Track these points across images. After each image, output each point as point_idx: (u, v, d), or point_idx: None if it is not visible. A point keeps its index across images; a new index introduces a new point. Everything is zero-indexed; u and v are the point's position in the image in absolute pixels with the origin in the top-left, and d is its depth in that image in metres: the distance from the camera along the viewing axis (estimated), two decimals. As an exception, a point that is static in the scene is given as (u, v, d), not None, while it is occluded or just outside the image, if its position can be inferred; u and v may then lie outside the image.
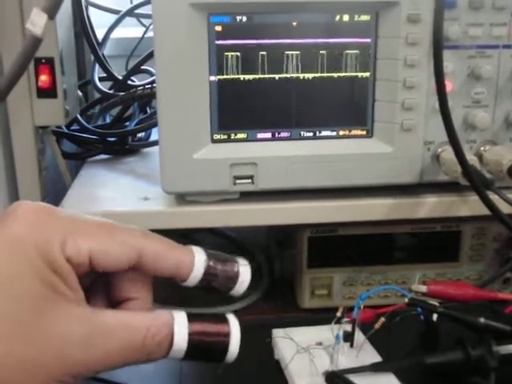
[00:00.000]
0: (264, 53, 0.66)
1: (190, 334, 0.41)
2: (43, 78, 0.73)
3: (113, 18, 1.04)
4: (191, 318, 0.42)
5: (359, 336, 0.65)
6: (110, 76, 0.97)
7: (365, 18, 0.67)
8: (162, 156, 0.67)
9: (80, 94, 0.89)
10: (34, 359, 0.37)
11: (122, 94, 0.88)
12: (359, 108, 0.70)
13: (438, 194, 0.72)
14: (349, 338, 0.65)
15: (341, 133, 0.70)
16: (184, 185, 0.68)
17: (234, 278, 0.43)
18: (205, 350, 0.42)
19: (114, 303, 0.43)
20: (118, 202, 0.73)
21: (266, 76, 0.67)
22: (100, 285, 0.43)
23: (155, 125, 0.69)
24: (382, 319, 0.63)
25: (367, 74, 0.68)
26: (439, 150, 0.69)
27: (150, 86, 0.86)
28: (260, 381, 0.66)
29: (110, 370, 0.40)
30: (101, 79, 0.96)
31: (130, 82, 0.98)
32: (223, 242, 0.97)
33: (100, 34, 0.99)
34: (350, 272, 0.80)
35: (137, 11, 1.05)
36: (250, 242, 0.96)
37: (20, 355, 0.36)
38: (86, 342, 0.38)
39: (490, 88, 0.68)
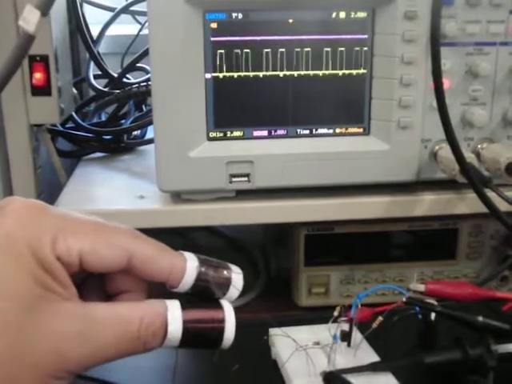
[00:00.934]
0: (260, 50, 0.66)
1: (185, 322, 0.40)
2: (37, 75, 0.73)
3: (108, 15, 1.03)
4: (185, 305, 0.41)
5: (357, 335, 0.65)
6: (105, 74, 0.96)
7: (361, 14, 0.67)
8: (157, 154, 0.67)
9: (75, 91, 0.88)
10: (28, 357, 0.37)
11: (118, 91, 0.88)
12: (356, 105, 0.69)
13: (435, 192, 0.72)
14: (346, 337, 0.64)
15: (337, 130, 0.70)
16: (180, 183, 0.68)
17: (226, 285, 0.43)
18: (200, 337, 0.41)
19: (109, 296, 0.43)
20: (113, 200, 0.72)
21: (262, 73, 0.67)
22: (94, 279, 0.43)
23: (151, 123, 0.69)
24: (380, 318, 0.63)
25: (364, 72, 0.68)
26: (436, 147, 0.69)
27: (145, 83, 0.86)
28: (256, 380, 0.66)
29: (107, 362, 0.39)
30: (96, 77, 0.96)
31: (125, 79, 0.98)
32: (219, 240, 0.97)
33: (95, 32, 0.98)
34: (347, 270, 0.80)
35: (132, 8, 1.04)
36: (247, 240, 0.96)
37: (13, 354, 0.36)
38: (80, 337, 0.38)
39: (487, 85, 0.68)
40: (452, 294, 0.66)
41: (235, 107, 0.68)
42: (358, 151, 0.69)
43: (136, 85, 0.86)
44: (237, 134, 0.69)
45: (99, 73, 0.97)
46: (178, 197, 0.70)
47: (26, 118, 0.74)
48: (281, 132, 0.69)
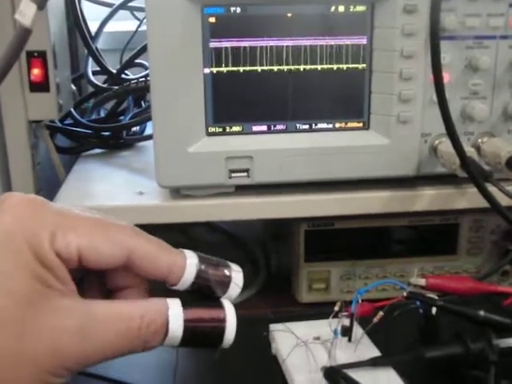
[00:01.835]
0: (258, 44, 0.66)
1: (186, 321, 0.40)
2: (36, 71, 0.72)
3: (106, 11, 1.03)
4: (186, 304, 0.41)
5: (357, 330, 0.65)
6: (103, 70, 0.96)
7: (360, 8, 0.66)
8: (156, 150, 0.67)
9: (73, 87, 0.88)
10: (26, 353, 0.36)
11: (116, 87, 0.88)
12: (355, 100, 0.69)
13: (435, 187, 0.72)
14: (347, 332, 0.64)
15: (337, 125, 0.70)
16: (179, 179, 0.68)
17: (226, 283, 0.43)
18: (201, 336, 0.41)
19: (109, 292, 0.43)
20: (112, 196, 0.72)
21: (261, 68, 0.66)
22: (93, 275, 0.43)
23: (150, 119, 0.68)
24: (381, 313, 0.62)
25: (363, 66, 0.68)
26: (436, 142, 0.69)
27: (144, 79, 0.85)
28: (257, 376, 0.66)
29: (106, 360, 0.39)
30: (94, 73, 0.96)
31: (124, 75, 0.98)
32: (219, 236, 0.96)
33: (93, 28, 0.98)
34: (347, 266, 0.80)
35: (130, 4, 1.04)
36: (247, 236, 0.96)
37: (11, 350, 0.36)
38: (78, 334, 0.37)
39: (487, 79, 0.68)
40: (453, 288, 0.66)
41: (234, 102, 0.68)
42: (357, 146, 0.69)
43: (135, 81, 0.86)
44: (236, 129, 0.68)
45: (98, 69, 0.97)
46: (177, 193, 0.70)
47: (24, 114, 0.74)
48: (280, 127, 0.69)
